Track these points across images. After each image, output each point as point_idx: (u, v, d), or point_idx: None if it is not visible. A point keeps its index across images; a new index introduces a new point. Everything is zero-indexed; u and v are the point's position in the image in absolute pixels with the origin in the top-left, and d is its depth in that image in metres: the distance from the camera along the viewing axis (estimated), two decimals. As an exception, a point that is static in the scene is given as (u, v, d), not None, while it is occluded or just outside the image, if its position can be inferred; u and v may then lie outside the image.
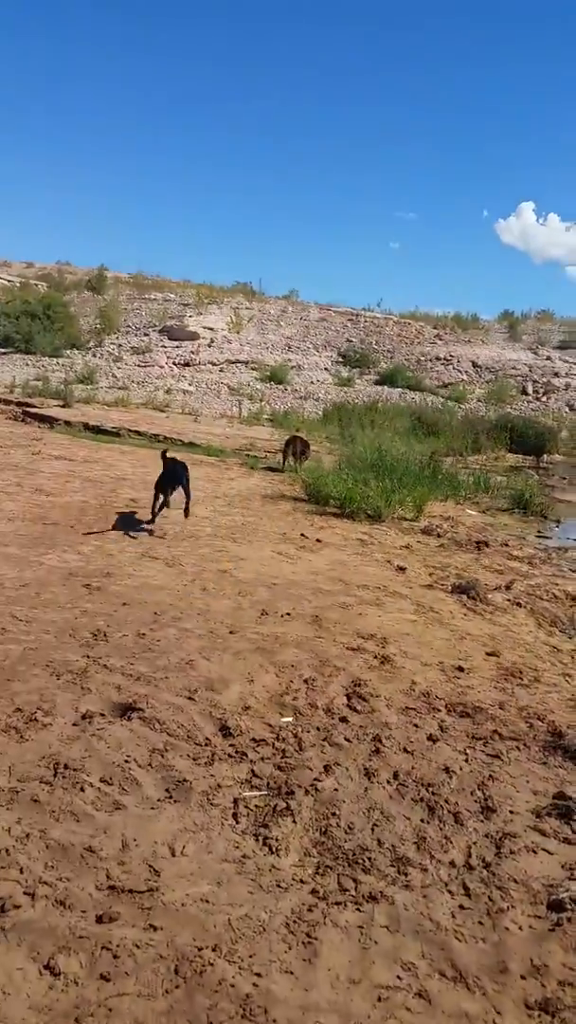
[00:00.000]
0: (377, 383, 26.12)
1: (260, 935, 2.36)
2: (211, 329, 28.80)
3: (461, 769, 3.53)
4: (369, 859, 2.82)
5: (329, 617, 5.47)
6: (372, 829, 3.01)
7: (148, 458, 11.34)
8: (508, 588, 6.75)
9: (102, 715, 3.63)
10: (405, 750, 3.66)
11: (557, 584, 7.02)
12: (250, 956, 2.26)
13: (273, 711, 3.95)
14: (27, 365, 23.93)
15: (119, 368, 24.80)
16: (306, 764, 3.40)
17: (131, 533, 7.37)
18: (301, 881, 2.66)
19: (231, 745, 3.54)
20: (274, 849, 2.81)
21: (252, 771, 3.33)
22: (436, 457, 13.20)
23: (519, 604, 6.36)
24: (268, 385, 24.69)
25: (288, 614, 5.45)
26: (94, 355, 26.65)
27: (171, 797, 3.06)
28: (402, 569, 7.14)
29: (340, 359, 28.43)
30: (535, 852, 2.96)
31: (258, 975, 2.19)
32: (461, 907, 2.63)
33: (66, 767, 3.14)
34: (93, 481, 9.91)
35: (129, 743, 3.40)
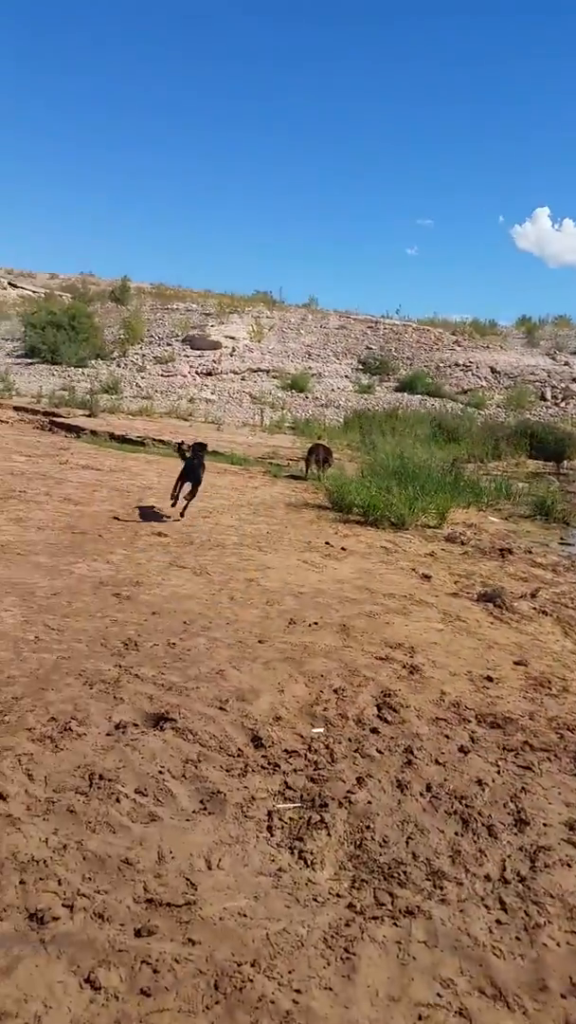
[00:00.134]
0: (397, 390, 26.11)
1: (298, 950, 2.35)
2: (232, 338, 28.93)
3: (493, 781, 3.50)
4: (404, 873, 2.80)
5: (356, 626, 5.46)
6: (407, 842, 2.99)
7: (173, 468, 11.36)
8: (534, 596, 6.71)
9: (135, 725, 3.64)
10: (437, 762, 3.64)
11: (585, 593, 6.95)
12: (289, 972, 2.25)
13: (304, 722, 3.94)
14: (53, 375, 24.21)
15: (143, 378, 24.98)
16: (339, 776, 3.39)
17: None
18: (337, 895, 2.64)
19: (263, 756, 3.53)
20: (309, 862, 2.80)
21: (285, 783, 3.32)
22: (457, 464, 13.17)
23: (545, 612, 6.31)
24: (289, 393, 24.75)
25: (315, 623, 5.44)
26: (118, 365, 26.88)
27: (206, 809, 3.06)
28: (427, 577, 7.11)
29: (360, 366, 28.44)
30: (569, 866, 2.93)
31: (298, 991, 2.18)
32: (498, 922, 2.61)
33: (101, 777, 3.15)
34: (120, 490, 9.97)
35: (162, 753, 3.41)
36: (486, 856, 2.95)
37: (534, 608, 6.37)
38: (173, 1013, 2.06)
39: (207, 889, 2.58)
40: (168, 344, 28.81)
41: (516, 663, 5.09)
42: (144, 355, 27.71)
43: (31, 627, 4.79)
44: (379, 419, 19.24)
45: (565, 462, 18.02)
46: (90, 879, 2.56)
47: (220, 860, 2.74)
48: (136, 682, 4.12)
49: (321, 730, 3.86)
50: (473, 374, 27.44)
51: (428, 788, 3.39)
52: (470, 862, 2.90)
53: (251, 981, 2.19)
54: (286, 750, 3.60)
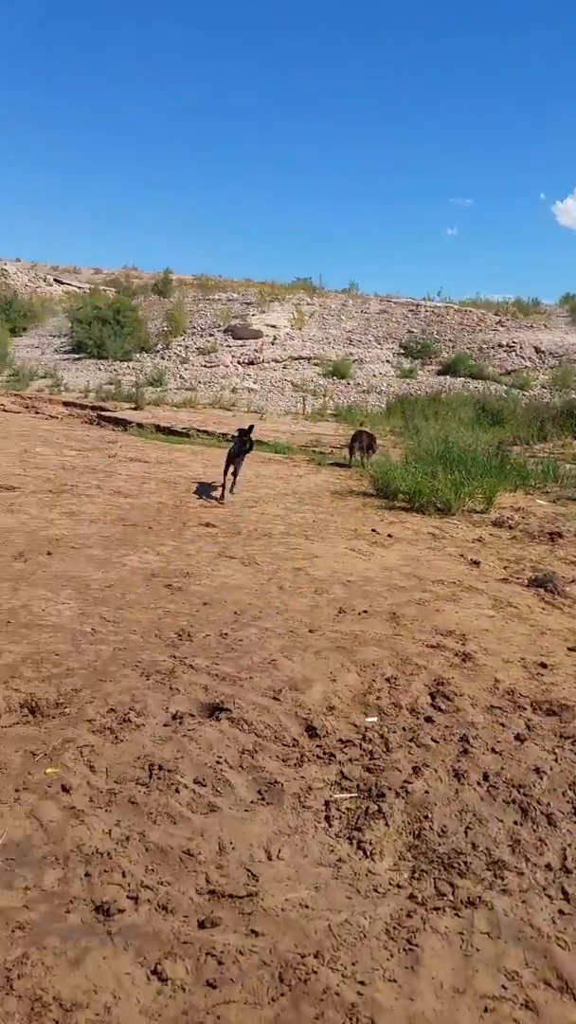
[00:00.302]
0: (439, 373, 25.76)
1: (361, 942, 2.35)
2: (274, 327, 28.86)
3: (551, 769, 3.46)
4: (465, 863, 2.78)
5: (406, 614, 5.43)
6: (465, 832, 2.98)
7: (218, 458, 11.43)
8: (587, 581, 6.58)
9: (191, 715, 3.68)
10: (493, 750, 3.61)
11: None
12: (352, 963, 2.26)
13: (357, 711, 3.94)
14: (99, 370, 24.47)
15: (186, 369, 25.09)
16: (394, 766, 3.38)
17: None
18: (398, 886, 2.64)
19: (318, 746, 3.54)
20: (368, 853, 2.80)
21: (341, 772, 3.33)
22: (503, 447, 12.96)
23: (599, 597, 6.19)
24: (331, 380, 24.60)
25: (365, 611, 5.43)
26: (162, 357, 27.03)
27: (264, 799, 3.08)
28: (476, 563, 7.04)
29: (402, 350, 28.11)
30: (633, 854, 2.88)
31: (362, 983, 2.19)
32: (561, 912, 2.58)
33: (160, 768, 3.19)
34: (167, 482, 10.06)
35: (219, 744, 3.44)
36: (546, 845, 2.92)
37: (587, 593, 6.26)
38: (239, 1005, 2.09)
39: (268, 880, 2.60)
40: (210, 335, 28.86)
41: (570, 649, 5.01)
42: (187, 346, 27.81)
43: (87, 619, 4.87)
44: (422, 403, 19.03)
45: (614, 443, 17.60)
46: (153, 871, 2.60)
47: (280, 851, 2.76)
48: (191, 672, 4.17)
49: (375, 719, 3.85)
50: (517, 355, 26.92)
51: (485, 777, 3.36)
52: (530, 851, 2.88)
53: (315, 973, 2.20)
54: (341, 740, 3.61)
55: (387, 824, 2.97)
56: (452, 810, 3.11)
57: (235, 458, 9.36)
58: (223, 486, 9.38)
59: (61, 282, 37.66)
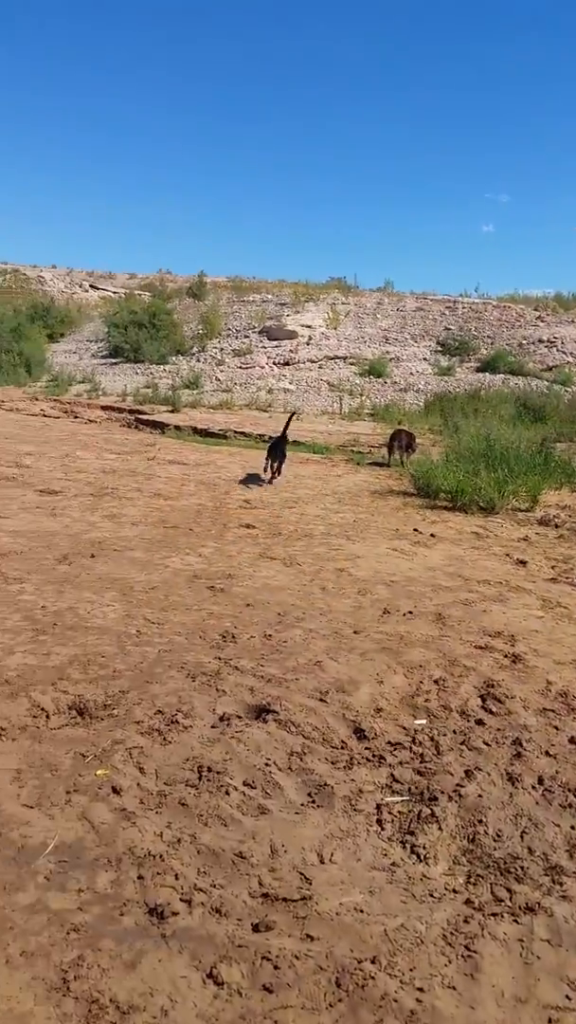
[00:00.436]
0: (478, 370, 25.46)
1: (418, 947, 2.30)
2: (309, 327, 28.80)
3: (608, 773, 3.37)
4: (521, 868, 2.72)
5: (452, 615, 5.35)
6: (521, 836, 2.91)
7: (255, 459, 11.44)
8: None
9: (239, 717, 3.66)
10: (547, 754, 3.53)
11: None
12: (410, 969, 2.21)
13: (406, 713, 3.89)
14: (136, 374, 24.69)
15: (222, 371, 25.16)
16: (446, 769, 3.32)
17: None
18: (454, 891, 2.59)
19: (367, 748, 3.50)
20: (422, 857, 2.75)
21: (392, 775, 3.28)
22: (546, 443, 12.76)
23: None
24: (367, 379, 24.48)
25: (410, 612, 5.37)
26: (198, 360, 27.15)
27: (314, 802, 3.05)
28: (522, 562, 6.92)
29: (439, 348, 27.84)
30: None
31: (420, 990, 2.14)
32: (624, 921, 2.51)
33: (209, 770, 3.17)
34: (206, 484, 10.08)
35: (267, 746, 3.41)
36: (606, 851, 2.84)
37: None
38: (296, 1010, 2.05)
39: (321, 884, 2.56)
40: (245, 336, 28.91)
41: (623, 649, 4.89)
42: (222, 348, 27.89)
43: (132, 621, 4.88)
44: (461, 401, 18.83)
45: None
46: (205, 873, 2.58)
47: (332, 854, 2.72)
48: (236, 674, 4.15)
49: (424, 722, 3.79)
50: (558, 350, 26.49)
51: (540, 781, 3.29)
52: (589, 857, 2.80)
53: (372, 979, 2.16)
54: (390, 742, 3.56)
55: (440, 828, 2.91)
56: (507, 814, 3.04)
57: (276, 448, 10.45)
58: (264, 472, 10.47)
59: (97, 288, 38.08)
